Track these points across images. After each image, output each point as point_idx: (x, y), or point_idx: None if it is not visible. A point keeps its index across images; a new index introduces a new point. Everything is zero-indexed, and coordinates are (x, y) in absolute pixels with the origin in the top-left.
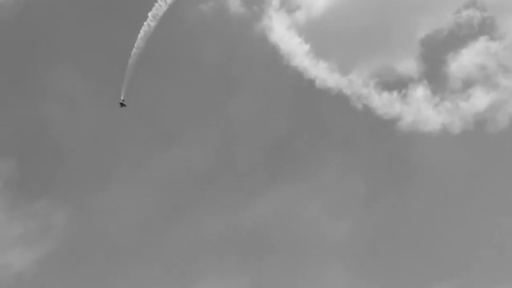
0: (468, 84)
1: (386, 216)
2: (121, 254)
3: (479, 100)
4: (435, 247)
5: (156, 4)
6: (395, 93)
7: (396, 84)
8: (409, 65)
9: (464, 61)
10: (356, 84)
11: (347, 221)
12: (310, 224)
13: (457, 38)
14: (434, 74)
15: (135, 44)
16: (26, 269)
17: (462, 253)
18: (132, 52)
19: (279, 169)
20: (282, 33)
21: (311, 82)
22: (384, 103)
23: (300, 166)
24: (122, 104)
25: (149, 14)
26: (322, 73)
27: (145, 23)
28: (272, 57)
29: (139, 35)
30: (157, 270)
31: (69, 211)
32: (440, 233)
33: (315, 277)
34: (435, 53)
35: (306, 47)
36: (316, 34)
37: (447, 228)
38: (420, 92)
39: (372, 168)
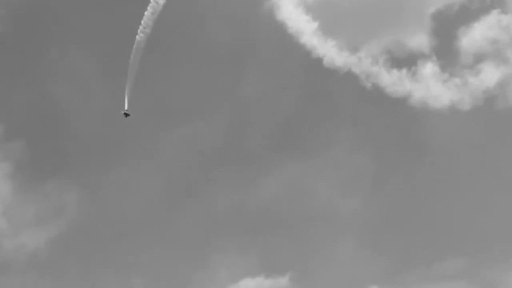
0: (479, 58)
1: (397, 192)
2: (133, 232)
3: (489, 75)
4: (446, 223)
5: None
6: (404, 71)
7: (406, 61)
8: (420, 40)
9: (476, 35)
10: (365, 62)
11: (357, 198)
12: (320, 201)
13: (468, 12)
14: (446, 49)
15: (142, 22)
16: (40, 249)
17: (473, 229)
18: (139, 30)
19: (288, 147)
20: (290, 11)
21: (319, 60)
22: (393, 81)
23: (310, 143)
24: (126, 114)
25: None
26: (331, 51)
27: (152, 0)
28: (280, 35)
29: (146, 13)
30: (169, 248)
31: (80, 191)
32: (451, 209)
33: (326, 253)
34: (447, 28)
35: (314, 24)
36: (325, 11)
37: (457, 204)
38: (429, 68)
39: (381, 146)
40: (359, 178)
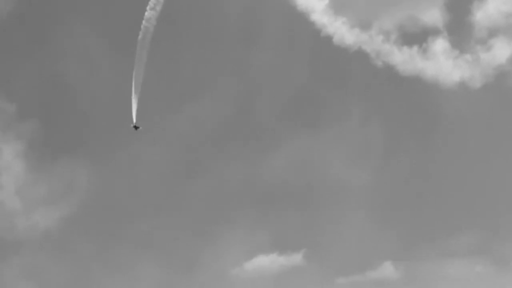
0: (493, 33)
1: (407, 167)
2: (144, 209)
3: (501, 51)
4: (457, 198)
5: None
6: (415, 48)
7: (417, 38)
8: (433, 15)
9: (490, 9)
10: (376, 39)
11: (368, 171)
12: (331, 174)
13: None
14: (459, 24)
15: None
16: (52, 228)
17: (485, 204)
18: (148, 7)
19: (298, 121)
20: None
21: (329, 39)
22: (404, 59)
23: (319, 118)
24: (136, 127)
25: None
26: (341, 29)
27: None
28: (290, 12)
29: None
30: (180, 225)
31: (91, 168)
32: (463, 183)
33: (339, 229)
34: (460, 2)
35: (325, 1)
36: None
37: (469, 179)
38: (439, 45)
39: (392, 121)
40: (369, 152)
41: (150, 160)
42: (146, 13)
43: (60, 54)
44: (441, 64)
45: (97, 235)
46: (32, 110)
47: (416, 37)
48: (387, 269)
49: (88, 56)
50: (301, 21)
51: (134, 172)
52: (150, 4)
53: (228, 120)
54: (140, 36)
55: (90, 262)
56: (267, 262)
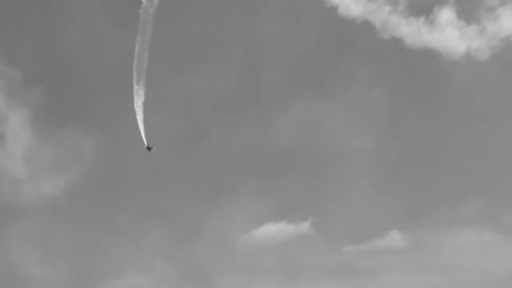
0: (502, 1)
1: (413, 133)
2: (149, 177)
3: (508, 21)
4: (463, 165)
5: None
6: (422, 19)
7: (425, 7)
8: None
9: None
10: (383, 10)
11: (374, 138)
12: (336, 141)
13: None
14: None
15: None
16: (58, 195)
17: (491, 172)
18: None
19: (303, 88)
20: None
21: (334, 9)
22: (411, 31)
23: (324, 85)
24: (149, 148)
25: None
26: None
27: None
28: None
29: None
30: (187, 192)
31: (97, 136)
32: (468, 152)
33: (346, 197)
34: None
35: None
36: None
37: (473, 147)
38: (446, 15)
39: (397, 90)
40: (375, 119)
41: (156, 128)
42: None
43: (65, 21)
44: (447, 35)
45: (103, 202)
46: (38, 77)
47: (423, 6)
48: (394, 238)
49: (93, 22)
50: None
51: (139, 140)
52: None
53: (233, 88)
54: (144, 2)
55: (95, 230)
56: (275, 230)
